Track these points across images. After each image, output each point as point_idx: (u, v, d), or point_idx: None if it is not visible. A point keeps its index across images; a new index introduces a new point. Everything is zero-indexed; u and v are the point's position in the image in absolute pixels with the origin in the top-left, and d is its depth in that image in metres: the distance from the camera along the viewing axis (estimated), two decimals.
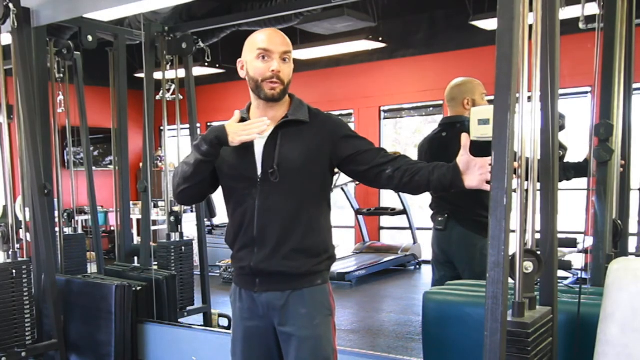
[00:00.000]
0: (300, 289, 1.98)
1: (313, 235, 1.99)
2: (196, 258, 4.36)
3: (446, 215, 3.08)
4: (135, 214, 6.28)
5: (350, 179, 6.42)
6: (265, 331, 2.02)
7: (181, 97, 4.27)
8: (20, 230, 3.58)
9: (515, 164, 1.63)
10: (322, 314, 2.00)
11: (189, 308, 3.92)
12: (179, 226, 4.00)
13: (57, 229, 4.15)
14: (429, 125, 7.98)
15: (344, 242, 7.40)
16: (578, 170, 2.78)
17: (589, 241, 2.38)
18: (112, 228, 7.59)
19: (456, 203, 3.03)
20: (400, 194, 6.92)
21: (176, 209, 4.31)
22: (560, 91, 1.84)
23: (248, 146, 1.99)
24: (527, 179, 1.69)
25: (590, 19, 2.39)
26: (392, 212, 7.17)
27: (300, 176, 1.95)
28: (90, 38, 4.00)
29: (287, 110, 2.01)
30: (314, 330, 1.97)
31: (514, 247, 1.67)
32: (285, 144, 1.96)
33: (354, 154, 1.97)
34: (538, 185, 1.81)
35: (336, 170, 2.08)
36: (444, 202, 3.10)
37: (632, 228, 2.74)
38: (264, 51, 1.93)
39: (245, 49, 2.02)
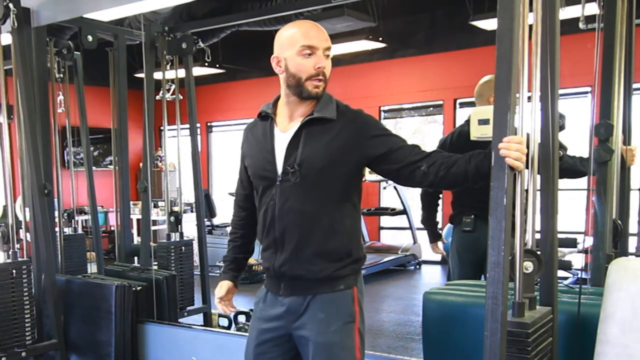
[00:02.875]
0: (321, 294, 1.90)
1: (335, 239, 1.89)
2: (196, 258, 4.36)
3: (473, 216, 2.99)
4: (135, 214, 6.28)
5: None
6: (281, 336, 1.95)
7: (181, 97, 4.27)
8: (20, 230, 3.58)
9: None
10: (341, 320, 1.90)
11: (189, 308, 3.93)
12: (179, 226, 4.00)
13: (57, 229, 4.15)
14: (429, 125, 7.98)
15: None
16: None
17: (589, 241, 2.38)
18: (112, 228, 7.59)
19: (485, 201, 2.96)
20: (401, 194, 6.92)
21: (176, 209, 4.31)
22: (560, 91, 1.84)
23: (269, 145, 1.94)
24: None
25: (590, 19, 2.38)
26: (392, 212, 7.17)
27: (323, 176, 1.86)
28: (90, 38, 4.00)
29: (314, 107, 1.91)
30: (331, 336, 1.88)
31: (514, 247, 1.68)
32: (309, 143, 1.87)
33: (386, 152, 1.86)
34: (538, 185, 1.81)
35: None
36: (470, 201, 2.99)
37: (632, 228, 2.73)
38: (308, 47, 1.84)
39: (282, 43, 1.89)
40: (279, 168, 1.90)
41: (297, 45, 1.84)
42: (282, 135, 1.93)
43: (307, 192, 1.87)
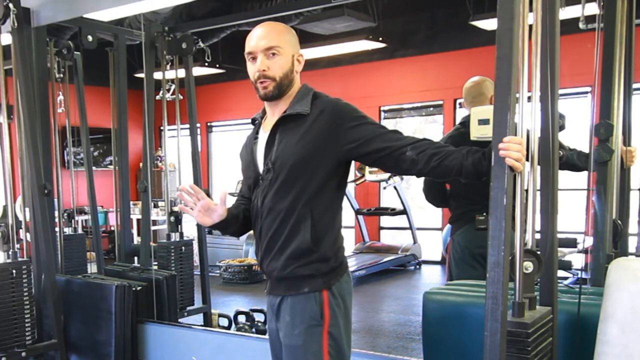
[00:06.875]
0: (287, 296, 1.91)
1: (298, 235, 1.86)
2: (196, 258, 4.36)
3: (486, 214, 2.94)
4: (135, 214, 6.28)
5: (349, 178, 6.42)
6: (278, 334, 1.98)
7: (181, 97, 4.27)
8: (20, 230, 3.58)
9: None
10: (305, 323, 1.87)
11: (189, 308, 3.93)
12: (179, 226, 4.00)
13: (57, 229, 4.15)
14: (429, 125, 7.99)
15: (343, 242, 7.38)
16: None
17: (589, 241, 2.38)
18: (112, 228, 7.59)
19: None
20: (401, 194, 6.92)
21: (176, 209, 4.31)
22: (560, 91, 1.84)
23: (250, 147, 2.00)
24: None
25: (590, 19, 2.39)
26: (392, 212, 7.16)
27: (296, 173, 1.85)
28: (90, 38, 4.00)
29: (289, 104, 1.92)
30: (294, 340, 1.88)
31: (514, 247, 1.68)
32: (283, 140, 1.89)
33: (364, 142, 1.84)
34: (538, 185, 1.81)
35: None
36: (481, 198, 2.94)
37: (632, 228, 2.74)
38: (249, 54, 1.90)
39: None
40: (260, 168, 1.95)
41: (245, 54, 1.93)
42: (264, 136, 1.96)
43: (280, 189, 1.88)
